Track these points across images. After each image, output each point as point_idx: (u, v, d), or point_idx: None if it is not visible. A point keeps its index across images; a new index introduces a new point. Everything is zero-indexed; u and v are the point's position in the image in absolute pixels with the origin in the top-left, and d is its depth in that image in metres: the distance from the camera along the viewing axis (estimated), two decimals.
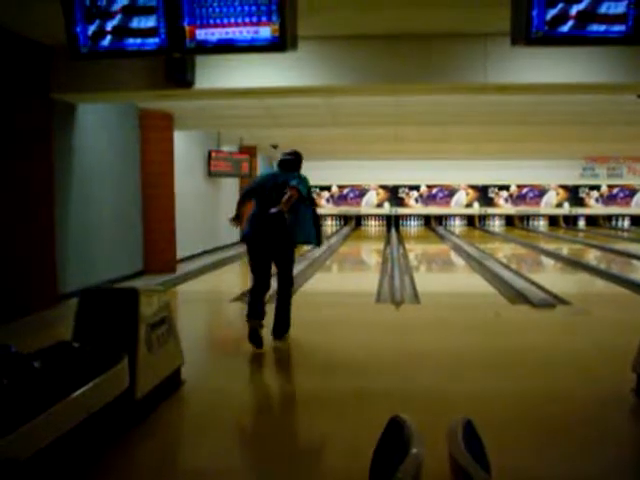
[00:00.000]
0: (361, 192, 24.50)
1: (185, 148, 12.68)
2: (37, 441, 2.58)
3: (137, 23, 4.20)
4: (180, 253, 11.50)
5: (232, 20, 4.11)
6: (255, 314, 5.62)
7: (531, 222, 24.76)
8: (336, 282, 11.52)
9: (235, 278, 11.91)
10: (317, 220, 5.92)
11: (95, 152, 8.82)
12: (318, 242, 5.96)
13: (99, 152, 8.96)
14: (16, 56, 6.82)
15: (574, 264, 12.87)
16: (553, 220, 24.63)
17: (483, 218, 24.72)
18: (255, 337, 5.56)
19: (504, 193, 24.42)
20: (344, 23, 6.39)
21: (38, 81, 7.20)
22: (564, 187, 24.30)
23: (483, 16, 6.03)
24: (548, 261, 14.44)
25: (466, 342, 5.92)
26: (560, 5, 4.06)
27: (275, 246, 5.69)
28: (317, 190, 24.33)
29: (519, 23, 4.21)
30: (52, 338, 3.77)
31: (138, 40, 4.24)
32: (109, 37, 4.26)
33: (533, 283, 9.44)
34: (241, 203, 5.95)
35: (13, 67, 6.80)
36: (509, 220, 24.76)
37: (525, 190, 24.39)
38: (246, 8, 4.07)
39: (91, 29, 4.26)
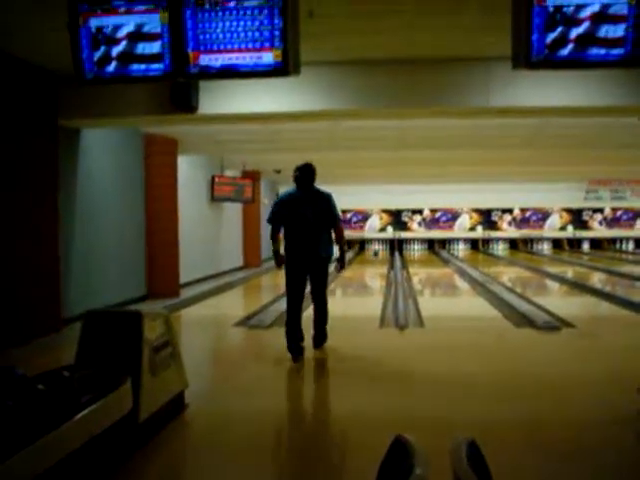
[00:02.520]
0: (364, 216, 24.55)
1: (189, 173, 12.74)
2: (40, 463, 2.57)
3: (142, 49, 4.26)
4: (183, 277, 11.50)
5: (235, 46, 4.16)
6: (297, 348, 6.03)
7: (535, 245, 24.76)
8: (340, 307, 11.48)
9: (238, 302, 11.90)
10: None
11: (100, 177, 8.87)
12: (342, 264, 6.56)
13: (104, 177, 9.02)
14: (23, 83, 6.91)
15: (579, 287, 12.83)
16: (557, 243, 24.62)
17: (487, 241, 24.73)
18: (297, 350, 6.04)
19: (507, 216, 24.45)
20: (346, 48, 6.46)
21: (45, 107, 7.28)
22: (568, 210, 24.32)
23: (484, 40, 6.09)
24: (552, 284, 14.41)
25: (471, 366, 5.90)
26: (560, 29, 4.10)
27: (313, 264, 6.07)
28: None
29: (520, 47, 4.25)
30: (56, 361, 3.78)
31: (143, 66, 4.29)
32: (114, 63, 4.31)
33: (538, 306, 9.42)
34: (275, 235, 6.18)
35: (20, 93, 6.88)
36: (513, 243, 24.76)
37: (529, 213, 24.42)
38: (249, 34, 4.12)
39: (97, 55, 4.31)
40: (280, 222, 6.13)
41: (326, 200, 6.18)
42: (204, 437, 4.10)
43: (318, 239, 6.07)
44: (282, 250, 6.21)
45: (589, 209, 24.31)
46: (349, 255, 22.53)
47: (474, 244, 24.72)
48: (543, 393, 4.98)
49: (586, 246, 24.71)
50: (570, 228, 24.38)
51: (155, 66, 4.29)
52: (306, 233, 6.04)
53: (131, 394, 3.52)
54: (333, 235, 6.31)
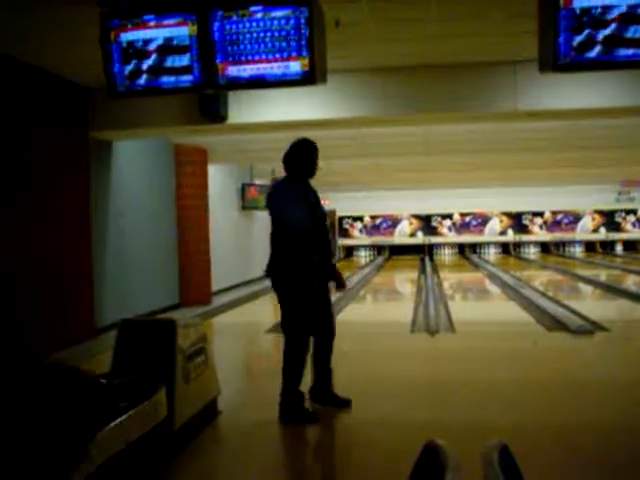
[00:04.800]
0: (394, 222, 24.51)
1: (219, 181, 12.86)
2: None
3: (172, 62, 4.33)
4: (215, 285, 11.60)
5: (263, 56, 4.21)
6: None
7: (567, 248, 24.49)
8: (370, 312, 11.50)
9: (269, 310, 11.95)
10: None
11: (131, 187, 9.01)
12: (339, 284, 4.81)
13: (135, 187, 9.15)
14: (56, 97, 7.06)
15: (612, 290, 12.67)
16: (590, 246, 24.32)
17: (518, 245, 24.50)
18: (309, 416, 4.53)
19: (538, 220, 24.23)
20: (373, 55, 6.49)
21: (76, 120, 7.43)
22: (600, 212, 24.02)
23: (511, 44, 6.07)
24: (586, 288, 14.24)
25: (503, 370, 5.87)
26: (587, 31, 4.08)
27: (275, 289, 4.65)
28: (350, 221, 24.41)
29: (546, 50, 4.23)
30: (91, 369, 3.83)
31: (172, 78, 4.37)
32: (145, 76, 4.39)
33: (571, 310, 9.32)
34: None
35: (53, 107, 7.04)
36: (544, 247, 24.51)
37: (560, 216, 24.17)
38: (276, 44, 4.17)
39: (128, 69, 4.40)
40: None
41: (296, 190, 4.56)
42: (237, 444, 4.14)
43: (277, 250, 4.59)
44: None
45: (622, 210, 23.97)
46: (378, 261, 22.48)
47: (505, 248, 24.53)
48: (577, 398, 4.94)
49: (619, 248, 24.35)
50: (603, 230, 24.06)
51: (185, 78, 4.36)
52: (272, 242, 4.66)
53: (166, 401, 3.57)
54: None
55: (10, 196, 6.26)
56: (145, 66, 4.38)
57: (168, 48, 4.32)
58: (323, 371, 4.69)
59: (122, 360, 3.86)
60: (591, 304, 11.72)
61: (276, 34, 4.16)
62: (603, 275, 16.24)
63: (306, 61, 4.17)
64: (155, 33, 4.31)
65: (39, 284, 6.67)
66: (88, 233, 7.65)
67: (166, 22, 4.28)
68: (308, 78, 4.23)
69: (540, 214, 24.22)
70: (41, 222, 6.76)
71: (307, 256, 4.42)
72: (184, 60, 4.32)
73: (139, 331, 4.03)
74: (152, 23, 4.30)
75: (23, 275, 6.42)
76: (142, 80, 4.42)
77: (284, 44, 4.16)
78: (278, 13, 4.14)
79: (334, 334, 4.72)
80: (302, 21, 4.11)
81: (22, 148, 6.50)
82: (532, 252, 24.42)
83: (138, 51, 4.35)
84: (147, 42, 4.33)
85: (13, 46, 5.96)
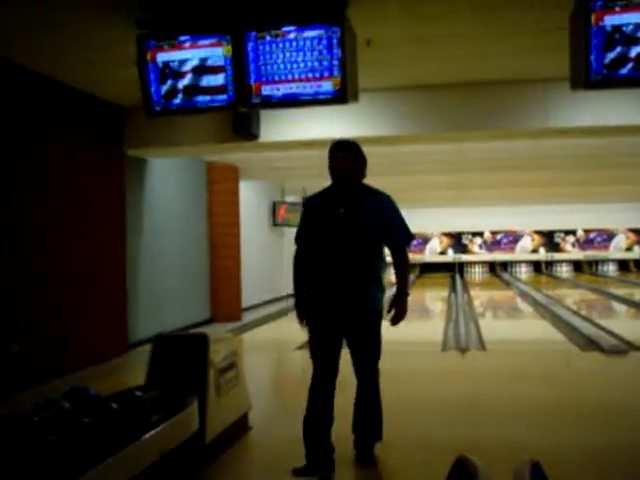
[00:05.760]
0: (425, 239, 24.43)
1: (251, 199, 12.97)
2: None
3: (206, 82, 4.43)
4: (245, 302, 11.67)
5: (296, 76, 4.29)
6: (319, 453, 3.74)
7: (600, 267, 24.14)
8: (401, 330, 11.43)
9: (299, 327, 11.97)
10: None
11: (164, 203, 9.15)
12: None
13: (168, 203, 9.29)
14: (93, 116, 7.24)
15: None
16: (623, 265, 23.94)
17: (550, 264, 24.23)
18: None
19: (571, 238, 23.95)
20: (404, 74, 6.54)
21: (112, 138, 7.59)
22: (633, 230, 23.66)
23: (542, 61, 6.08)
24: (619, 307, 14.03)
25: (534, 390, 5.80)
26: (618, 49, 4.09)
27: (350, 320, 3.78)
28: None
29: (578, 68, 4.24)
30: (122, 384, 3.91)
31: (207, 97, 4.47)
32: (180, 95, 4.50)
33: (604, 329, 9.19)
34: (299, 272, 3.96)
35: (90, 127, 7.21)
36: (577, 265, 24.20)
37: (593, 234, 23.87)
38: (309, 64, 4.25)
39: (164, 89, 4.51)
40: (305, 243, 3.87)
41: (379, 203, 3.75)
42: (267, 459, 4.15)
43: (358, 273, 3.69)
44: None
45: None
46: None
47: (537, 266, 24.28)
48: (609, 418, 4.86)
49: None
50: (637, 249, 23.69)
51: (219, 97, 4.45)
52: (337, 262, 3.68)
53: (198, 415, 3.61)
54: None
55: (46, 213, 6.41)
56: (181, 86, 4.49)
57: (203, 68, 4.42)
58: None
59: (156, 373, 3.92)
60: (625, 323, 11.55)
61: (308, 54, 4.24)
62: (637, 294, 15.98)
63: (338, 80, 4.24)
64: (190, 54, 4.43)
65: (73, 299, 6.79)
66: (123, 249, 7.78)
67: (201, 43, 4.40)
68: (340, 97, 4.30)
69: (572, 232, 23.95)
70: (76, 240, 6.90)
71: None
72: (219, 80, 4.42)
73: (172, 345, 4.09)
74: (187, 44, 4.41)
75: (57, 290, 6.55)
76: (178, 99, 4.53)
77: (316, 64, 4.23)
78: (311, 33, 4.22)
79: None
80: (334, 41, 4.19)
81: (60, 167, 6.67)
82: (564, 270, 24.13)
83: (174, 71, 4.46)
84: (183, 62, 4.44)
85: (49, 67, 6.14)
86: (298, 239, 3.93)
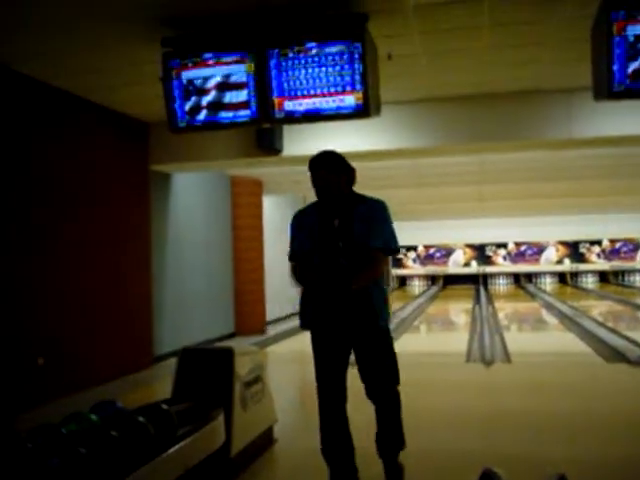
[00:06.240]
0: (448, 251, 24.33)
1: (273, 212, 13.03)
2: None
3: (230, 98, 4.50)
4: (269, 315, 11.70)
5: (318, 91, 4.33)
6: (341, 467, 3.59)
7: (627, 277, 23.83)
8: (425, 342, 11.41)
9: None
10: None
11: (189, 218, 9.23)
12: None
13: (193, 218, 9.37)
14: (120, 132, 7.36)
15: None
16: None
17: (575, 275, 23.98)
18: None
19: (596, 248, 23.70)
20: (426, 86, 6.56)
21: (137, 154, 7.69)
22: None
23: (564, 72, 6.08)
24: None
25: (560, 402, 5.75)
26: None
27: (356, 331, 3.47)
28: (404, 250, 24.31)
29: (601, 78, 4.23)
30: (150, 397, 3.94)
31: (231, 113, 4.53)
32: (204, 111, 4.57)
33: (631, 340, 9.08)
34: (301, 279, 3.61)
35: (118, 142, 7.34)
36: (603, 276, 23.92)
37: (619, 245, 23.60)
38: (331, 79, 4.29)
39: (188, 105, 4.58)
40: (302, 258, 3.55)
41: (370, 209, 3.51)
42: (292, 473, 4.15)
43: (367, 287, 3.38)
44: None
45: None
46: (432, 291, 22.28)
47: (562, 277, 24.04)
48: (637, 431, 4.81)
49: None
50: None
51: (242, 113, 4.51)
52: (337, 276, 3.36)
53: (224, 428, 3.63)
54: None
55: (78, 229, 6.51)
56: (204, 102, 4.56)
57: (226, 85, 4.49)
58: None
59: (182, 387, 3.95)
60: None
61: (330, 69, 4.28)
62: None
63: (360, 95, 4.27)
64: (214, 71, 4.50)
65: (99, 312, 6.88)
66: (148, 263, 7.86)
67: (224, 60, 4.47)
68: (362, 111, 4.33)
69: (598, 242, 23.69)
70: (104, 253, 6.99)
71: None
72: (242, 96, 4.48)
73: (198, 359, 4.12)
74: (211, 61, 4.48)
75: (83, 303, 6.63)
76: (202, 115, 4.59)
77: (338, 79, 4.27)
78: (332, 49, 4.26)
79: None
80: (356, 56, 4.23)
81: (92, 182, 6.80)
82: (590, 281, 23.87)
83: (198, 88, 4.53)
84: (206, 79, 4.51)
85: (75, 84, 6.25)
86: (293, 255, 3.58)
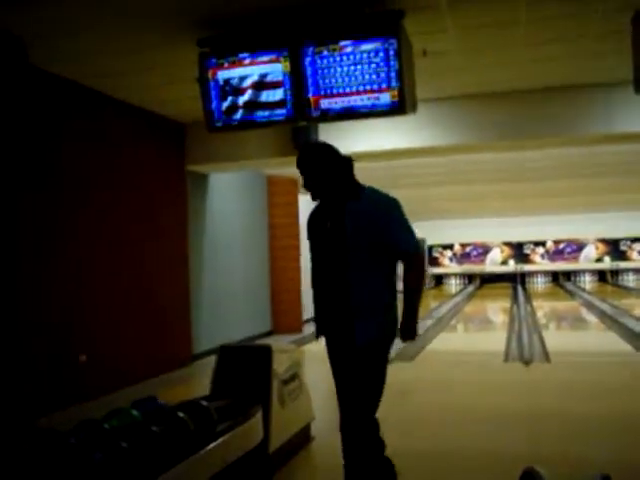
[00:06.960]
0: (485, 250, 24.09)
1: (309, 211, 13.02)
2: None
3: (266, 97, 4.52)
4: (306, 314, 11.72)
5: (354, 89, 4.33)
6: None
7: None
8: (462, 342, 11.33)
9: None
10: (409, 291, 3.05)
11: (226, 217, 9.30)
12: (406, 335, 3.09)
13: (230, 217, 9.44)
14: (158, 133, 7.46)
15: None
16: None
17: (615, 273, 23.55)
18: None
19: (637, 246, 23.24)
20: (462, 83, 6.51)
21: (175, 154, 7.78)
22: None
23: (604, 66, 5.97)
24: None
25: (602, 402, 5.65)
26: None
27: (343, 353, 3.18)
28: (440, 249, 24.14)
29: None
30: (189, 393, 3.98)
31: (267, 112, 4.55)
32: (241, 111, 4.60)
33: None
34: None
35: (156, 143, 7.44)
36: None
37: None
38: (367, 77, 4.29)
39: (225, 105, 4.62)
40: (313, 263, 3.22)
41: (369, 205, 3.07)
42: (329, 470, 4.15)
43: (349, 298, 2.97)
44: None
45: None
46: (469, 289, 22.09)
47: (602, 275, 23.64)
48: None
49: None
50: None
51: (278, 112, 4.54)
52: (328, 286, 3.07)
53: (262, 425, 3.66)
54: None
55: (113, 226, 6.62)
56: (241, 102, 4.59)
57: (262, 84, 4.51)
58: None
59: (221, 384, 3.99)
60: None
61: (366, 67, 4.28)
62: None
63: (396, 92, 4.26)
64: (250, 70, 4.52)
65: (140, 311, 6.97)
66: (186, 262, 7.95)
67: (260, 59, 4.49)
68: (398, 109, 4.32)
69: (639, 239, 23.23)
70: (144, 252, 7.09)
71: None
72: (278, 95, 4.50)
73: (237, 356, 4.16)
74: (247, 61, 4.51)
75: (125, 302, 6.73)
76: (238, 115, 4.63)
77: (374, 76, 4.27)
78: (367, 46, 4.25)
79: None
80: (391, 53, 4.21)
81: (128, 183, 6.89)
82: (631, 279, 23.42)
83: (234, 88, 4.56)
84: (242, 79, 4.55)
85: (113, 86, 6.35)
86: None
